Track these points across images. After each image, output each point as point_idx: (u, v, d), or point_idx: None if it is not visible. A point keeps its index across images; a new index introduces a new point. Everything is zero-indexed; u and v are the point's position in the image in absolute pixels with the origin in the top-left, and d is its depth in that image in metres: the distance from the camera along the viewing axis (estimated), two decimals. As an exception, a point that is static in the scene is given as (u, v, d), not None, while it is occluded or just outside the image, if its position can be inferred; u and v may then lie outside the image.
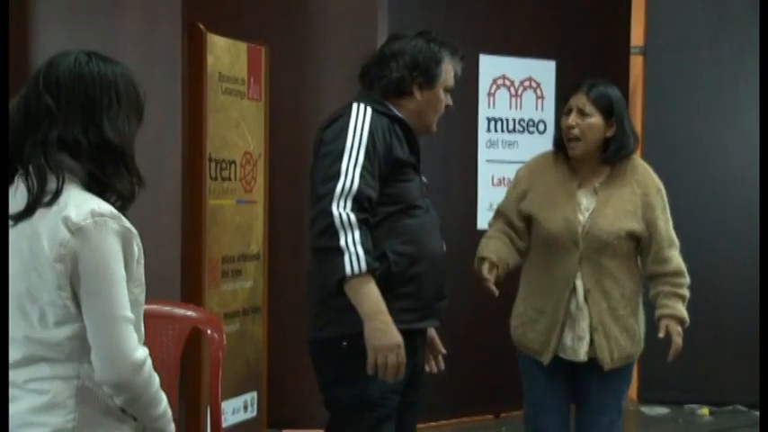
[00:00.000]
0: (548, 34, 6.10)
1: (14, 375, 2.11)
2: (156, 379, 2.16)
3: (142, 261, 2.16)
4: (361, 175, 2.88)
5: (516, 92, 5.99)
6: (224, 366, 3.56)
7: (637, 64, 6.46)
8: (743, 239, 6.19)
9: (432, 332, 3.32)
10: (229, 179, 5.09)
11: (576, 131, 3.53)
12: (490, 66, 5.91)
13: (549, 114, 6.13)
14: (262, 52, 5.28)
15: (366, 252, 2.82)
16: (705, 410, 6.15)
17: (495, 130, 5.99)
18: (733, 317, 6.35)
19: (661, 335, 3.51)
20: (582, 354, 3.53)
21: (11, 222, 2.08)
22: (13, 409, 2.11)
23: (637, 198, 3.55)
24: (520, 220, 3.65)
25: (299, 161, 5.51)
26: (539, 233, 3.60)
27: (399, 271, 2.97)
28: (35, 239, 2.05)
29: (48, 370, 2.08)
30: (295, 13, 5.53)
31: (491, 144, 5.97)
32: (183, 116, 4.76)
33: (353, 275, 2.82)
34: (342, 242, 2.81)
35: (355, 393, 2.99)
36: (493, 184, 5.93)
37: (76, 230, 2.03)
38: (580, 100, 3.55)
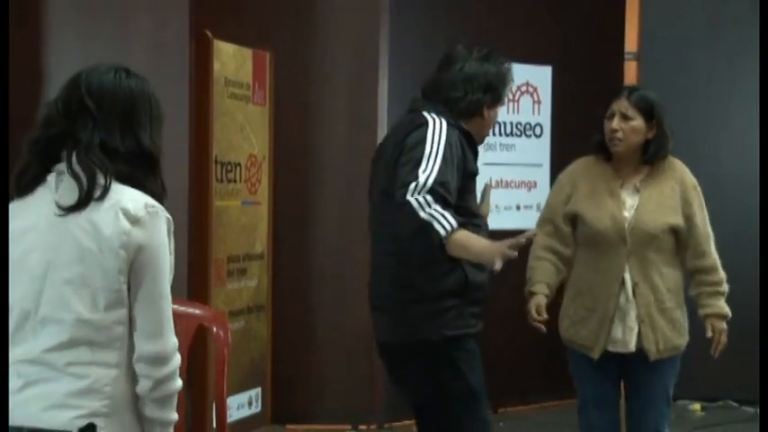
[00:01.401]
0: (544, 40, 6.16)
1: (55, 357, 2.19)
2: (181, 382, 2.30)
3: (173, 248, 2.33)
4: (436, 177, 3.03)
5: (513, 96, 6.03)
6: (229, 363, 3.61)
7: (630, 69, 6.50)
8: (736, 240, 6.21)
9: None
10: (235, 181, 5.19)
11: (619, 135, 3.64)
12: (488, 71, 5.98)
13: (545, 118, 6.20)
14: (266, 58, 5.38)
15: (451, 215, 3.00)
16: (697, 406, 6.19)
17: (493, 134, 5.95)
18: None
19: (708, 334, 3.70)
20: (632, 345, 3.65)
21: (60, 212, 2.21)
22: (47, 388, 2.19)
23: (676, 194, 3.69)
24: (566, 224, 3.75)
25: (303, 163, 5.64)
26: (585, 232, 3.71)
27: (473, 280, 3.19)
28: (96, 231, 2.19)
29: (89, 355, 2.20)
30: (299, 18, 5.60)
31: (489, 147, 5.94)
32: (190, 120, 4.86)
33: (448, 234, 2.99)
34: (425, 216, 2.98)
35: (469, 385, 3.21)
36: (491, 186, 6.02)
37: (135, 221, 2.20)
38: (622, 104, 3.67)
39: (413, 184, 3.01)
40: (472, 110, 3.28)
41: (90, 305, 2.20)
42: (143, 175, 2.28)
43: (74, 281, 2.20)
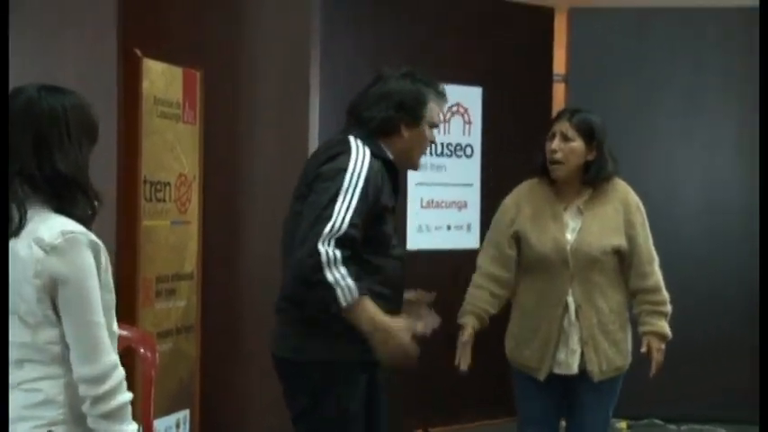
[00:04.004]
0: (475, 62, 6.20)
1: (11, 377, 2.30)
2: (129, 394, 2.32)
3: (110, 269, 2.35)
4: (351, 219, 2.98)
5: (444, 117, 6.03)
6: (157, 384, 3.59)
7: (559, 91, 6.58)
8: (663, 258, 6.32)
9: None
10: (164, 200, 5.13)
11: (559, 155, 3.69)
12: (419, 92, 6.00)
13: (475, 139, 6.23)
14: (197, 77, 5.35)
15: (355, 281, 2.95)
16: (623, 424, 6.25)
17: (424, 154, 6.06)
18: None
19: (643, 350, 3.73)
20: (575, 367, 3.69)
21: None
22: (12, 402, 2.29)
23: (619, 215, 3.73)
24: (510, 248, 3.78)
25: (233, 183, 5.60)
26: (529, 255, 3.74)
27: None
28: (15, 261, 2.25)
29: (36, 371, 2.29)
30: (229, 37, 5.57)
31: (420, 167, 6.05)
32: (119, 139, 4.79)
33: (348, 306, 2.96)
34: (330, 278, 2.93)
35: (341, 407, 3.16)
36: (422, 206, 6.01)
37: (51, 249, 2.22)
38: (563, 125, 3.72)
39: (328, 226, 2.95)
40: (386, 128, 3.23)
41: (23, 329, 2.27)
42: (69, 200, 2.29)
43: (6, 308, 2.28)
